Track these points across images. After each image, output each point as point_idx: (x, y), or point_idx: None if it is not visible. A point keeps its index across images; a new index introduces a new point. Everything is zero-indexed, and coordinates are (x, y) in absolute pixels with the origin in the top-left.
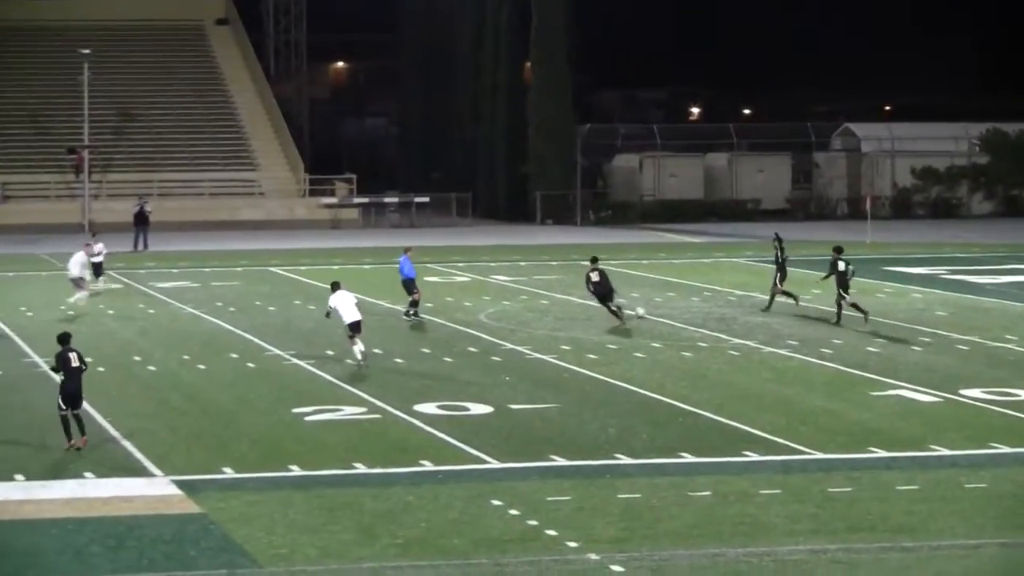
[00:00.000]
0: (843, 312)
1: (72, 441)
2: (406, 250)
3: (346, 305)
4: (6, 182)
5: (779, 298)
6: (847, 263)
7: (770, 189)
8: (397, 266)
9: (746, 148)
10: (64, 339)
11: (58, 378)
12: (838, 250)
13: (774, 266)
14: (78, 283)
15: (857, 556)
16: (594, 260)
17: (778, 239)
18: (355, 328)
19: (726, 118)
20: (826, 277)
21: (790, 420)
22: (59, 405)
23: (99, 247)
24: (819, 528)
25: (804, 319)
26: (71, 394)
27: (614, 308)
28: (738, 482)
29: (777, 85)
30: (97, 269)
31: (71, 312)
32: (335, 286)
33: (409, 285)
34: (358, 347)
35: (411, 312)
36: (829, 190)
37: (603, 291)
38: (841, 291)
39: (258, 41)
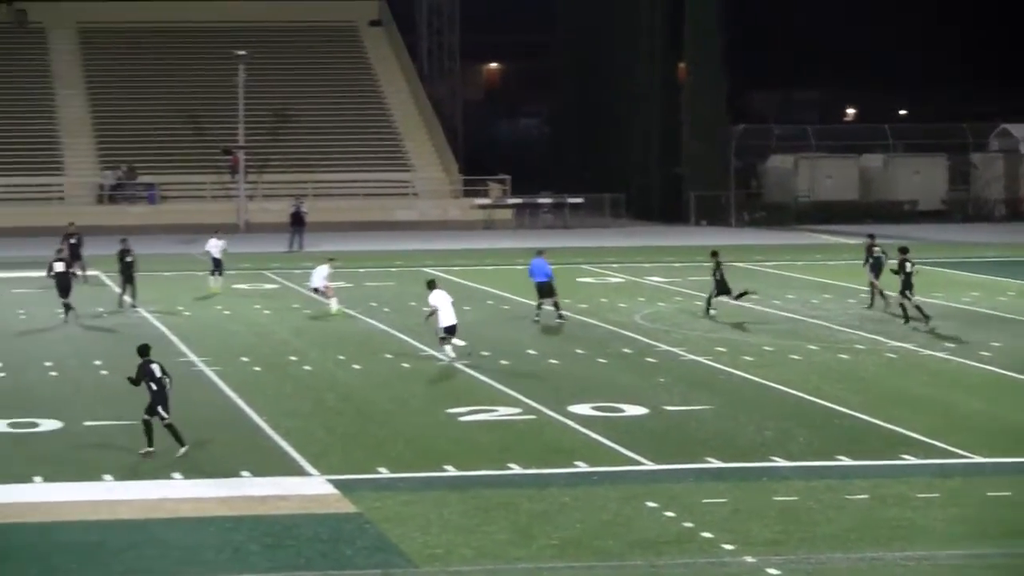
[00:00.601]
0: (908, 311)
1: (151, 448)
2: (540, 252)
3: (445, 306)
4: (163, 183)
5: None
6: (910, 263)
7: (926, 190)
8: (533, 268)
9: (902, 149)
10: (145, 351)
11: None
12: (904, 251)
13: (867, 265)
14: (322, 293)
15: (1017, 562)
16: (715, 254)
17: (871, 238)
18: (451, 332)
19: (881, 119)
20: (898, 273)
21: (948, 423)
22: (159, 412)
23: (220, 244)
24: (978, 532)
25: (965, 322)
26: (161, 403)
27: (739, 295)
28: (896, 485)
29: (933, 86)
30: (217, 266)
31: (332, 314)
32: (432, 284)
33: (547, 287)
34: (456, 344)
35: (560, 314)
36: (986, 191)
37: (724, 285)
38: (906, 292)
39: (411, 42)
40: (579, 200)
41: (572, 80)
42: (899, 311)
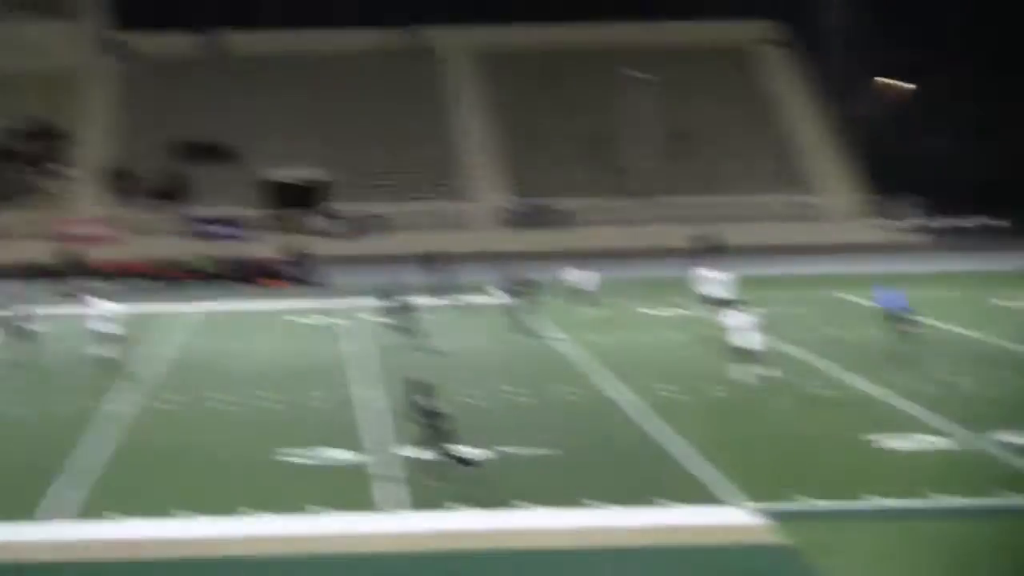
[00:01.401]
0: None
1: None
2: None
3: None
4: (570, 207)
5: None
6: None
7: None
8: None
9: None
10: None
11: None
12: None
13: None
14: (725, 303)
15: None
16: None
17: None
18: None
19: None
20: None
21: None
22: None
23: (580, 274)
24: None
25: None
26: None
27: None
28: None
29: None
30: (577, 295)
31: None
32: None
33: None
34: None
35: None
36: None
37: None
38: None
39: (815, 60)
40: (1005, 223)
41: (986, 95)
42: None
